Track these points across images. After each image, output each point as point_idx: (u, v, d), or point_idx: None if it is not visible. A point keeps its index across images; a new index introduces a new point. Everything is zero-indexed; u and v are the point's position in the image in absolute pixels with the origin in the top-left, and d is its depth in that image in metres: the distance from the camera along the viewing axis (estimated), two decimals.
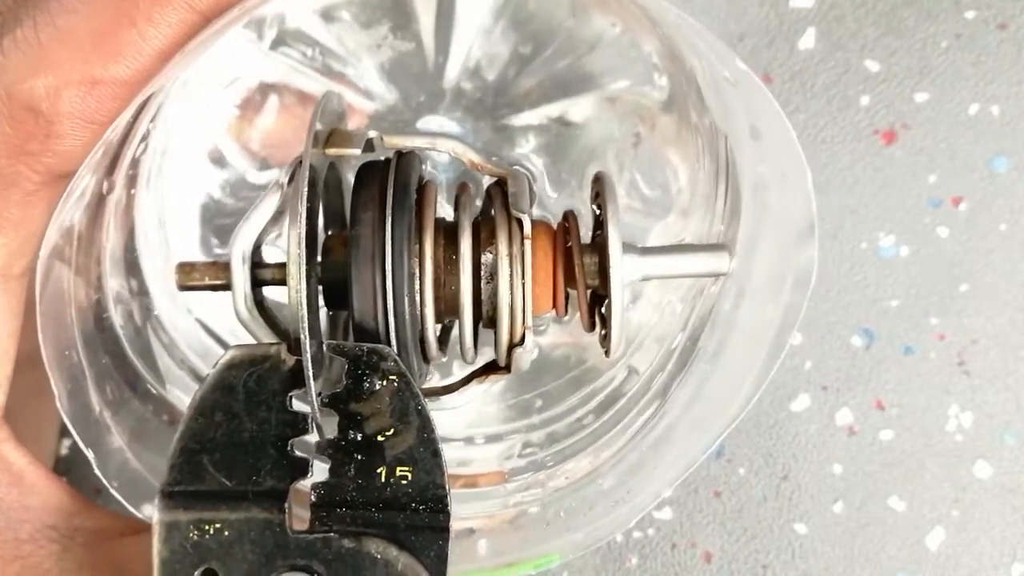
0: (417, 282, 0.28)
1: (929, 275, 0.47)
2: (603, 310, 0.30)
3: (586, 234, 0.32)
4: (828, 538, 0.47)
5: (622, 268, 0.29)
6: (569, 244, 0.30)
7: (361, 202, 0.28)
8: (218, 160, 0.37)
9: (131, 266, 0.35)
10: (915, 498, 0.46)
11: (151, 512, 0.30)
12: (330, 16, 0.37)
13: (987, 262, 0.46)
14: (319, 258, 0.29)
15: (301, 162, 0.26)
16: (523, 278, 0.29)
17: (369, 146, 0.29)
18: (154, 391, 0.34)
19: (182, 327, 0.37)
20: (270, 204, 0.28)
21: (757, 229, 0.32)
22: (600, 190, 0.30)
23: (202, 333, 0.37)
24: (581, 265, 0.29)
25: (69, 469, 0.44)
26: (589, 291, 0.30)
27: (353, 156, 0.29)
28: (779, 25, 0.47)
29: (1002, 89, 0.46)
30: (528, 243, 0.28)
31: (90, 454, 0.29)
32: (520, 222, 0.29)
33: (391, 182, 0.28)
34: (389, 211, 0.27)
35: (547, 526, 0.33)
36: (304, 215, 0.25)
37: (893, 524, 0.46)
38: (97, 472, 0.29)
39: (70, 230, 0.29)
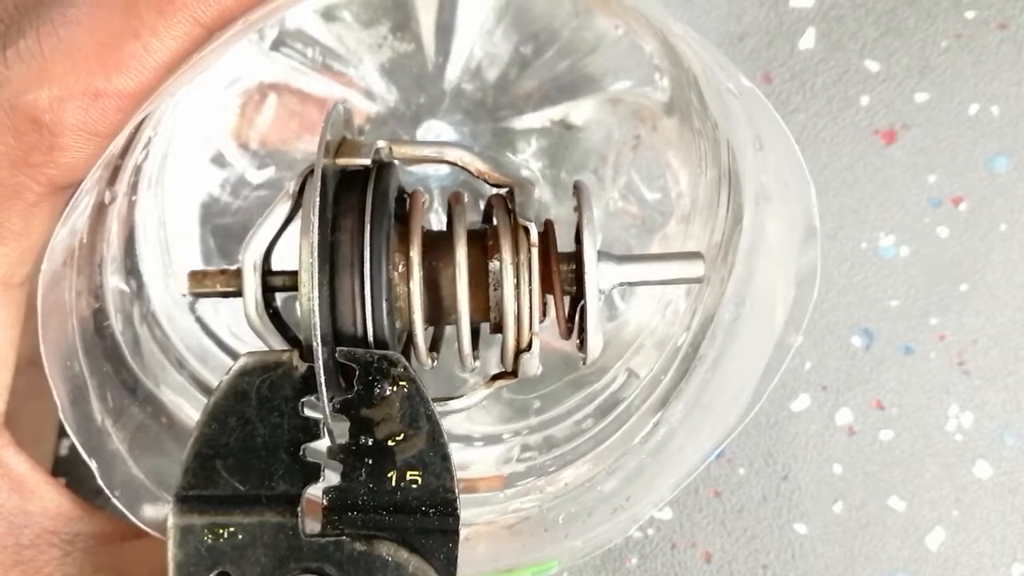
0: (397, 289, 0.29)
1: (929, 275, 0.47)
2: (580, 316, 0.31)
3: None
4: (828, 538, 0.47)
5: (597, 275, 0.29)
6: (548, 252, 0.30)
7: (342, 210, 0.28)
8: (218, 160, 0.37)
9: (131, 270, 0.34)
10: (915, 498, 0.46)
11: (152, 514, 0.30)
12: (331, 16, 0.36)
13: (987, 262, 0.47)
14: None
15: (312, 172, 0.26)
16: (530, 285, 0.29)
17: (378, 156, 0.29)
18: (153, 396, 0.34)
19: (181, 329, 0.37)
20: (280, 213, 0.28)
21: (759, 239, 0.32)
22: (577, 198, 0.30)
23: (201, 334, 0.37)
24: (558, 272, 0.30)
25: (68, 470, 0.44)
26: (567, 298, 0.30)
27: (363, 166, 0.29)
28: (779, 25, 0.47)
29: (1002, 89, 0.46)
30: (535, 251, 0.29)
31: (93, 464, 0.29)
32: (527, 230, 0.29)
33: (370, 190, 0.28)
34: (368, 218, 0.28)
35: (545, 532, 0.33)
36: (317, 224, 0.26)
37: (893, 524, 0.46)
38: (100, 482, 0.29)
39: (72, 242, 0.29)
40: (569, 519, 0.33)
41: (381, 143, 0.30)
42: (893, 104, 0.47)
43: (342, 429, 0.26)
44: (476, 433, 0.39)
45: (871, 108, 0.47)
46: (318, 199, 0.26)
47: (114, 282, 0.33)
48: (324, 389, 0.25)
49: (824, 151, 0.47)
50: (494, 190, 0.31)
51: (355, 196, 0.28)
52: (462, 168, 0.31)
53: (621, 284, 0.30)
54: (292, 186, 0.28)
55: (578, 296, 0.30)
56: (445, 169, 0.38)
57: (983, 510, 0.46)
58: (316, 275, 0.26)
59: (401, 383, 0.26)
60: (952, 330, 0.47)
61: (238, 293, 0.28)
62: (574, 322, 0.31)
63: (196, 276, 0.29)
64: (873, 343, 0.47)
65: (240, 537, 0.25)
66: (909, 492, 0.46)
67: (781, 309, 0.30)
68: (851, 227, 0.47)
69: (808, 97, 0.47)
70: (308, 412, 0.26)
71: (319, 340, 0.25)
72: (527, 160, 0.38)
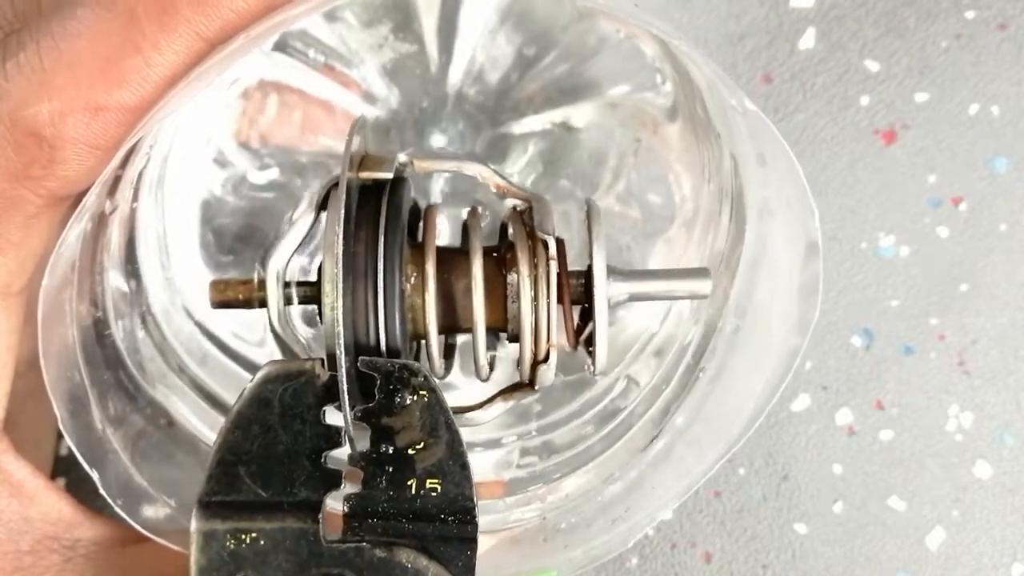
0: (411, 300, 0.29)
1: (929, 275, 0.47)
2: (589, 330, 0.31)
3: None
4: (828, 538, 0.47)
5: (606, 290, 0.30)
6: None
7: (357, 222, 0.28)
8: (220, 160, 0.37)
9: (131, 274, 0.34)
10: (915, 498, 0.47)
11: (152, 514, 0.30)
12: (333, 16, 0.36)
13: (987, 262, 0.47)
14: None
15: (335, 185, 0.27)
16: (548, 298, 0.29)
17: (400, 171, 0.30)
18: (154, 401, 0.34)
19: (180, 332, 0.36)
20: (303, 225, 0.29)
21: (761, 252, 0.32)
22: (588, 216, 0.31)
23: (201, 338, 0.37)
24: (568, 286, 0.30)
25: (68, 470, 0.43)
26: (576, 310, 0.31)
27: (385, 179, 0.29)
28: (779, 25, 0.47)
29: (1002, 89, 0.46)
30: (553, 264, 0.29)
31: (95, 474, 0.29)
32: (545, 244, 0.29)
33: (384, 204, 0.29)
34: (382, 231, 0.28)
35: (545, 542, 0.34)
36: (341, 236, 0.26)
37: (893, 524, 0.47)
38: (102, 492, 0.29)
39: (73, 254, 0.28)
40: (569, 529, 0.34)
41: (403, 157, 0.30)
42: (893, 104, 0.47)
43: (363, 437, 0.27)
44: (477, 439, 0.39)
45: (871, 108, 0.47)
46: (343, 212, 0.26)
47: (114, 288, 0.33)
48: (346, 398, 0.25)
49: (824, 151, 0.47)
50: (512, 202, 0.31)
51: (370, 209, 0.28)
52: (481, 182, 0.31)
53: (628, 299, 0.31)
54: (316, 198, 0.28)
55: (586, 308, 0.30)
56: (437, 191, 0.38)
57: (983, 510, 0.46)
58: (340, 286, 0.26)
59: (421, 392, 0.26)
60: (952, 330, 0.47)
61: (261, 303, 0.29)
62: (582, 333, 0.31)
63: (218, 286, 0.29)
64: (873, 343, 0.47)
65: (262, 542, 0.26)
66: (909, 492, 0.47)
67: (783, 323, 0.31)
68: (851, 227, 0.47)
69: (808, 97, 0.47)
70: (330, 420, 0.26)
71: (342, 350, 0.25)
72: (513, 175, 0.38)
